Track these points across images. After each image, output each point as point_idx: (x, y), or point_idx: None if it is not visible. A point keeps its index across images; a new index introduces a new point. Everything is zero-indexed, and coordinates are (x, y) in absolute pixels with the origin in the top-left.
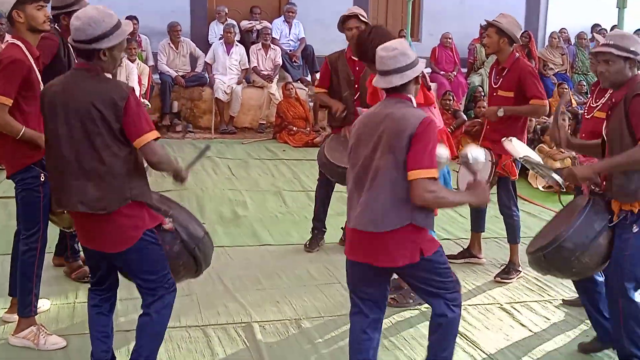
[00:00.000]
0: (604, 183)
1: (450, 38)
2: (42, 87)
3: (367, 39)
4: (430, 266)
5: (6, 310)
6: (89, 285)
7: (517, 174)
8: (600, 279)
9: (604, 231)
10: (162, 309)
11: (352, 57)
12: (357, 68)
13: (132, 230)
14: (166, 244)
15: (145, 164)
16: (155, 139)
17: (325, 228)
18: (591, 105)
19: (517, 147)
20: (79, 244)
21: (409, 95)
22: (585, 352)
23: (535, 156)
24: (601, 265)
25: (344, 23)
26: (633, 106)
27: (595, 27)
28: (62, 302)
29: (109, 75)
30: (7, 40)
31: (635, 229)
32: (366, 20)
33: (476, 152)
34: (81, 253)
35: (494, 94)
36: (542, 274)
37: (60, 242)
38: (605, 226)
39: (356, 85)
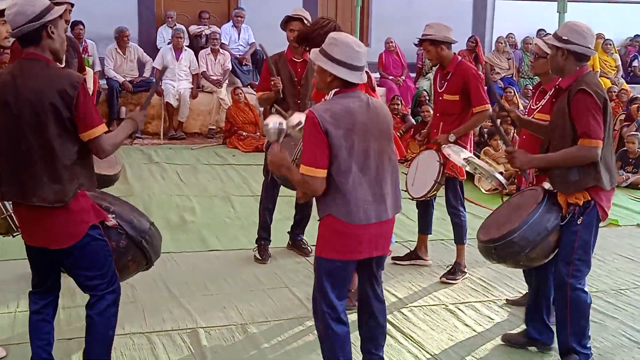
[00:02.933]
0: (543, 175)
1: (392, 42)
2: None
3: (326, 25)
4: None
5: None
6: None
7: (465, 175)
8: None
9: (555, 230)
10: (105, 308)
11: (293, 58)
12: (299, 69)
13: (79, 225)
14: (112, 240)
15: None
16: (106, 132)
17: (270, 238)
18: (531, 107)
19: (459, 152)
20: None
21: None
22: (509, 344)
23: (476, 160)
24: (546, 259)
25: (287, 23)
26: (575, 101)
27: (540, 32)
28: (2, 311)
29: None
30: None
31: (580, 221)
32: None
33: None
34: None
35: (440, 98)
36: (489, 262)
37: None
38: (556, 225)
39: (299, 87)
